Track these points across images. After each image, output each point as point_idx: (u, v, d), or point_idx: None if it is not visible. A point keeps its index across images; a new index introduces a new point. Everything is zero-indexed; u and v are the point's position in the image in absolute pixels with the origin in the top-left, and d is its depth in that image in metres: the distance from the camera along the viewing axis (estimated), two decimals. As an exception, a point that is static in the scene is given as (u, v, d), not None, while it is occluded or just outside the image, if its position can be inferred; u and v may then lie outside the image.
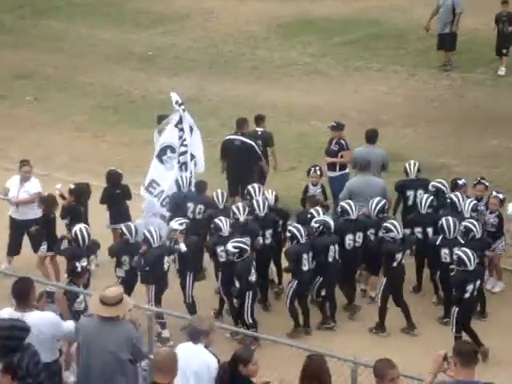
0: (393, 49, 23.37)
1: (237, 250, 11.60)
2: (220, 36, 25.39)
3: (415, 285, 13.13)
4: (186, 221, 12.17)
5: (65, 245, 12.34)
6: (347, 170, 14.63)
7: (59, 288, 10.70)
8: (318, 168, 14.13)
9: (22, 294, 8.63)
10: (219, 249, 12.09)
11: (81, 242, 11.81)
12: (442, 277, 12.35)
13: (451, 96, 20.54)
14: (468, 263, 11.29)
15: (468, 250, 11.43)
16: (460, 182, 13.35)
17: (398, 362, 7.64)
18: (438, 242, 12.25)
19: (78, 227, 11.93)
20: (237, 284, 11.65)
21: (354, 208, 12.58)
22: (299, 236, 11.99)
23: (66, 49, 24.53)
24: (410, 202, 13.51)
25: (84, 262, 11.62)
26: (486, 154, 15.56)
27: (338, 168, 14.67)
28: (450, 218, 12.24)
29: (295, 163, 17.00)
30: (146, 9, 28.07)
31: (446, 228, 12.16)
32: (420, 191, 13.34)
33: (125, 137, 18.92)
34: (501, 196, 13.07)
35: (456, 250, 11.63)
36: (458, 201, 12.75)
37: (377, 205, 12.75)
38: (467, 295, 11.35)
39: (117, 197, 13.84)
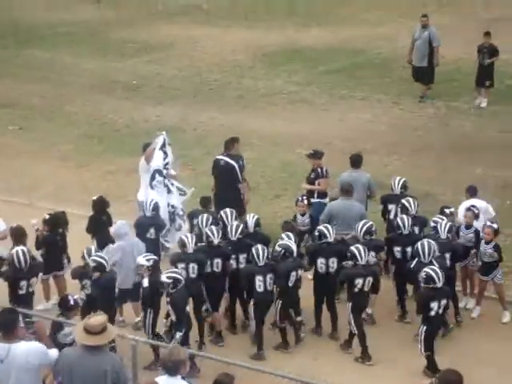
0: (377, 77, 23.48)
1: (170, 281, 11.40)
2: (205, 65, 25.47)
3: (400, 313, 13.08)
4: (155, 258, 12.08)
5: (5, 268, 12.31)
6: (326, 200, 14.50)
7: (43, 318, 10.58)
8: (305, 197, 14.15)
9: (9, 325, 8.55)
10: (180, 265, 12.14)
11: (17, 264, 11.84)
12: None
13: (436, 124, 20.62)
14: (436, 280, 11.38)
15: (436, 268, 11.53)
16: (447, 211, 13.35)
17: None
18: (412, 266, 12.26)
19: (15, 250, 11.98)
20: (172, 316, 11.47)
21: (331, 232, 12.56)
22: (256, 258, 12.09)
23: (51, 78, 24.54)
24: (392, 216, 13.71)
25: (24, 285, 11.77)
26: (471, 182, 15.55)
27: (315, 195, 14.64)
28: (425, 242, 12.26)
29: (280, 191, 17.01)
30: (131, 38, 28.17)
31: (420, 252, 12.19)
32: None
33: (110, 165, 18.88)
34: (495, 226, 13.02)
35: (425, 268, 11.67)
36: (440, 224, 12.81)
37: (363, 226, 12.78)
38: (432, 313, 11.43)
39: (103, 224, 13.75)
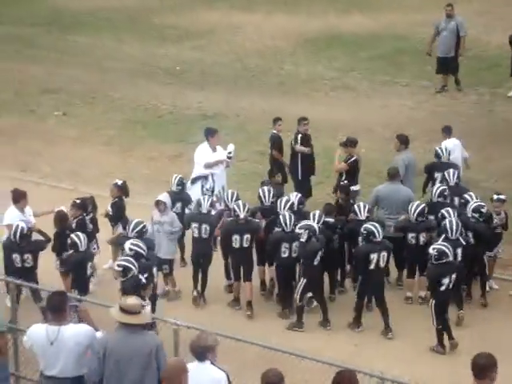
0: (420, 64, 23.31)
1: (120, 269, 11.27)
2: (246, 51, 25.48)
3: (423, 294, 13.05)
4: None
5: None
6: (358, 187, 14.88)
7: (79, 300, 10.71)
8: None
9: (59, 307, 8.72)
10: (194, 225, 12.99)
11: (12, 237, 12.31)
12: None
13: (479, 111, 20.46)
14: (449, 255, 11.79)
15: (447, 244, 11.96)
16: (498, 197, 13.34)
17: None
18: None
19: (16, 223, 12.39)
20: None
21: (379, 232, 12.47)
22: (284, 224, 12.55)
23: (93, 64, 24.70)
24: (437, 183, 14.09)
25: (17, 257, 12.21)
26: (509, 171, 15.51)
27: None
28: (453, 220, 12.59)
29: (322, 178, 16.99)
30: (173, 24, 28.24)
31: (448, 229, 12.45)
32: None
33: (153, 151, 19.00)
34: (502, 197, 13.33)
35: (435, 245, 12.05)
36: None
37: (416, 208, 12.98)
38: (443, 288, 11.81)
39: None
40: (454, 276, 11.86)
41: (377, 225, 12.46)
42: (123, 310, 8.55)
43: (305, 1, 30.24)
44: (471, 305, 13.09)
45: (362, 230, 12.44)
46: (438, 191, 13.42)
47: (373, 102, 21.23)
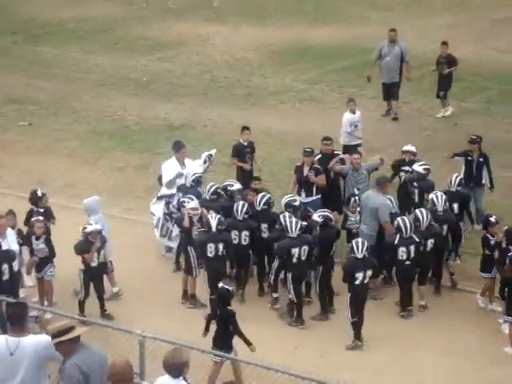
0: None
1: None
2: (215, 62, 25.51)
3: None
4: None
5: None
6: (319, 195, 15.06)
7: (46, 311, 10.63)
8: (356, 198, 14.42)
9: (19, 318, 8.59)
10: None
11: None
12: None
13: (444, 124, 20.62)
14: (356, 252, 12.34)
15: (359, 240, 12.57)
16: (492, 220, 13.29)
17: None
18: (395, 242, 13.00)
19: None
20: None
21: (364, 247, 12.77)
22: (290, 229, 12.94)
23: (60, 74, 24.61)
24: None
25: None
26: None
27: (314, 191, 14.94)
28: (405, 218, 13.15)
29: (288, 189, 16.98)
30: (142, 35, 28.22)
31: (402, 227, 12.95)
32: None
33: (119, 162, 18.93)
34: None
35: (355, 240, 12.65)
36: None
37: (456, 178, 14.12)
38: (357, 282, 12.28)
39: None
40: (369, 272, 12.34)
41: (364, 241, 12.68)
42: (55, 335, 8.30)
43: (274, 13, 30.37)
44: (438, 313, 13.23)
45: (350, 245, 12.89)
46: (458, 180, 14.26)
47: (340, 114, 21.18)
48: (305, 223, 13.26)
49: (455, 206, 14.09)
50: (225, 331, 11.20)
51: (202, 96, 22.89)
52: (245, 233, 13.59)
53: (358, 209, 14.16)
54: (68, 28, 29.15)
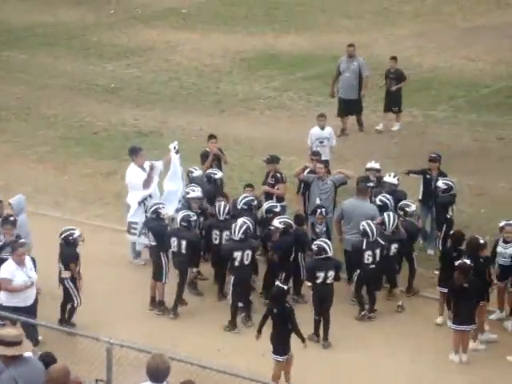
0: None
1: None
2: (184, 69, 25.49)
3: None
4: None
5: None
6: (284, 203, 15.11)
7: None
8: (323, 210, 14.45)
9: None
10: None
11: None
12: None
13: (412, 133, 20.75)
14: (328, 251, 12.73)
15: (322, 241, 12.97)
16: (482, 242, 12.98)
17: None
18: (363, 247, 13.30)
19: None
20: None
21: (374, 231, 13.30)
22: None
23: (28, 80, 24.46)
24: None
25: None
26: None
27: (274, 199, 14.97)
28: (370, 222, 13.37)
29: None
30: (110, 41, 28.14)
31: (368, 232, 13.26)
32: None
33: (87, 168, 18.86)
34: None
35: (316, 241, 13.07)
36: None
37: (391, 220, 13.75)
38: (318, 281, 12.73)
39: None
40: (331, 272, 12.70)
41: (328, 242, 13.04)
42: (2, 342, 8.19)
43: (243, 20, 30.42)
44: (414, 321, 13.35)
45: (313, 245, 13.08)
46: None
47: (308, 122, 21.31)
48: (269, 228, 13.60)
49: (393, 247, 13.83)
50: (283, 329, 11.50)
51: (171, 103, 22.87)
52: (226, 233, 13.73)
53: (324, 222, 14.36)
54: (37, 33, 28.98)
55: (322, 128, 17.54)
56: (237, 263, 13.04)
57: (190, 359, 9.67)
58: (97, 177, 18.41)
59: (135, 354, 9.41)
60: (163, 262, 13.56)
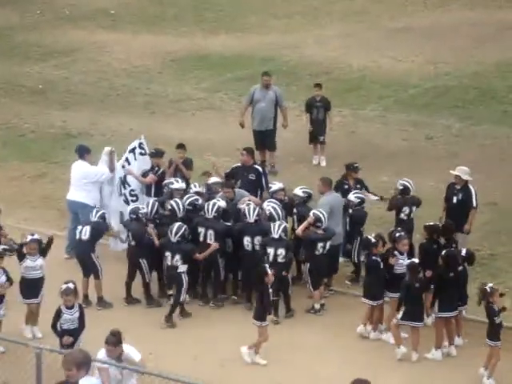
0: (285, 85, 23.59)
1: None
2: (113, 70, 25.24)
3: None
4: None
5: None
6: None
7: None
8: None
9: None
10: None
11: None
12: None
13: (342, 132, 20.87)
14: (272, 231, 13.42)
15: (277, 222, 13.57)
16: (397, 235, 13.30)
17: None
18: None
19: None
20: None
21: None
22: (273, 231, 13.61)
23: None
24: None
25: None
26: (375, 190, 15.85)
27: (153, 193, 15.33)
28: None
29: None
30: (37, 42, 27.71)
31: (272, 229, 13.58)
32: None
33: (14, 171, 18.54)
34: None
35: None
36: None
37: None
38: (270, 259, 13.30)
39: None
40: (280, 250, 13.32)
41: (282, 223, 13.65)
42: None
43: (172, 21, 30.25)
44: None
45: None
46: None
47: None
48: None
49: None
50: (378, 279, 12.89)
51: (100, 104, 22.62)
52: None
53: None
54: (-40, 34, 28.41)
55: None
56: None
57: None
58: (24, 180, 18.11)
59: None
60: (95, 262, 13.73)
